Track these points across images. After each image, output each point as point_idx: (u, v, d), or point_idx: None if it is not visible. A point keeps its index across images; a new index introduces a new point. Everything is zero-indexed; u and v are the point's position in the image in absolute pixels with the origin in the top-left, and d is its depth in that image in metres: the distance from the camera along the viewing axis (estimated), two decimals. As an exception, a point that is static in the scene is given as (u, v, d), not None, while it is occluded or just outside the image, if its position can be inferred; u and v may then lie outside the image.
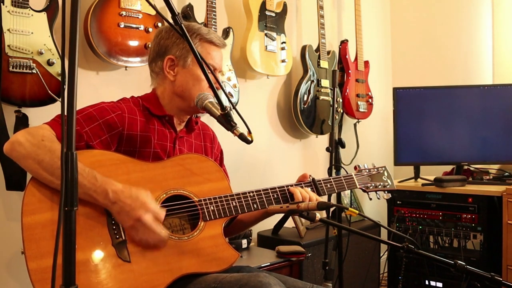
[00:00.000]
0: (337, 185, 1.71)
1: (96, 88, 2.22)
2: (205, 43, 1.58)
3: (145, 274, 1.31)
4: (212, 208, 1.47)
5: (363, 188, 1.79)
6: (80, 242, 1.26)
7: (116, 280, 1.28)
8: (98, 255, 1.29)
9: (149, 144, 1.52)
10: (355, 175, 1.79)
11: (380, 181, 1.82)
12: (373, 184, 1.80)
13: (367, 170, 1.83)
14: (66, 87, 0.91)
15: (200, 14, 2.46)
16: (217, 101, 1.44)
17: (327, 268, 2.06)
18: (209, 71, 1.37)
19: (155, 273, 1.33)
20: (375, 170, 1.84)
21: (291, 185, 1.61)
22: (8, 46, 1.79)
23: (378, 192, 1.81)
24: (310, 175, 1.66)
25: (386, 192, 1.82)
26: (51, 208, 1.29)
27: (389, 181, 1.84)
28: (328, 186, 1.69)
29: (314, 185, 1.64)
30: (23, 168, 1.34)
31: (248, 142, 1.43)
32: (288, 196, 1.58)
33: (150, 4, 1.32)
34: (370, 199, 1.82)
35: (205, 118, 2.37)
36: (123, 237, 1.33)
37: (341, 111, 3.28)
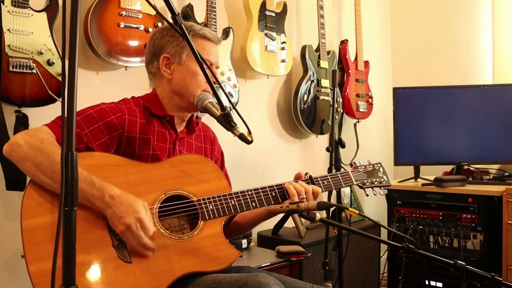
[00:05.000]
0: (334, 181, 1.72)
1: (96, 88, 2.22)
2: (199, 38, 1.57)
3: (146, 274, 1.31)
4: (211, 207, 1.47)
5: (360, 185, 1.81)
6: (80, 244, 1.25)
7: (117, 281, 1.28)
8: (98, 256, 1.29)
9: (148, 146, 1.52)
10: (351, 171, 1.80)
11: (376, 177, 1.84)
12: (369, 181, 1.82)
13: (363, 167, 1.85)
14: (66, 87, 0.91)
15: (200, 14, 2.47)
16: (217, 101, 1.44)
17: (327, 268, 2.06)
18: (206, 66, 1.36)
19: (156, 273, 1.33)
20: (371, 166, 1.86)
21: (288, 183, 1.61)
22: (8, 46, 1.79)
23: (374, 189, 1.83)
24: (306, 173, 1.67)
25: (382, 188, 1.84)
26: (50, 211, 1.29)
27: (384, 177, 1.86)
28: (325, 183, 1.70)
29: (312, 182, 1.65)
30: (21, 170, 1.34)
31: (248, 142, 1.43)
32: (286, 194, 1.58)
33: (150, 4, 1.32)
34: (367, 195, 1.84)
35: (206, 119, 2.37)
36: (123, 238, 1.33)
37: (341, 111, 3.28)
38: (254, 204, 1.54)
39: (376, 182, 1.83)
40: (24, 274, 1.22)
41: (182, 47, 1.56)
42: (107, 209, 1.30)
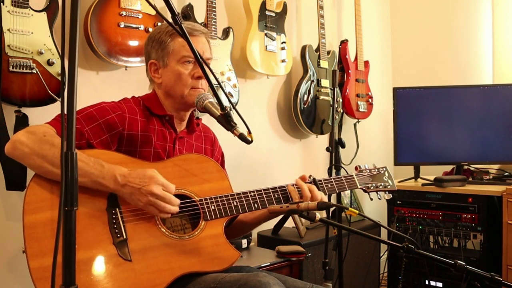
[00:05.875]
0: (338, 185, 1.71)
1: (96, 88, 2.22)
2: (177, 37, 1.55)
3: (146, 273, 1.32)
4: (213, 207, 1.47)
5: (364, 188, 1.79)
6: (81, 241, 1.26)
7: (117, 279, 1.28)
8: (99, 254, 1.29)
9: (149, 144, 1.53)
10: (356, 175, 1.79)
11: (381, 182, 1.82)
12: (374, 185, 1.81)
13: (368, 171, 1.83)
14: (66, 87, 0.91)
15: (200, 14, 2.47)
16: (217, 101, 1.44)
17: (327, 268, 2.06)
18: (187, 62, 1.48)
19: (156, 272, 1.33)
20: (376, 170, 1.84)
21: (292, 185, 1.61)
22: (8, 46, 1.79)
23: (379, 193, 1.81)
24: (310, 175, 1.66)
25: (387, 192, 1.82)
26: (52, 207, 1.29)
27: (389, 181, 1.84)
28: (329, 186, 1.69)
29: (315, 185, 1.64)
30: (26, 166, 1.35)
31: (248, 142, 1.43)
32: (289, 196, 1.58)
33: (150, 4, 1.33)
34: (371, 199, 1.82)
35: (206, 119, 2.37)
36: (124, 236, 1.33)
37: (341, 111, 3.28)
38: (256, 205, 1.54)
39: (381, 186, 1.81)
40: (26, 272, 1.22)
41: (163, 50, 1.56)
42: (122, 188, 1.32)
